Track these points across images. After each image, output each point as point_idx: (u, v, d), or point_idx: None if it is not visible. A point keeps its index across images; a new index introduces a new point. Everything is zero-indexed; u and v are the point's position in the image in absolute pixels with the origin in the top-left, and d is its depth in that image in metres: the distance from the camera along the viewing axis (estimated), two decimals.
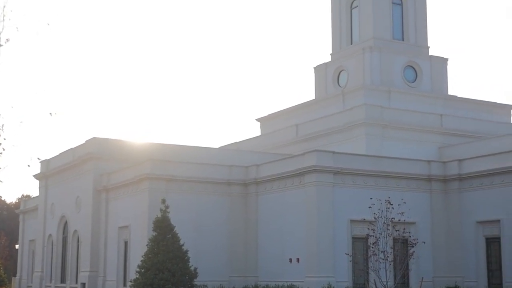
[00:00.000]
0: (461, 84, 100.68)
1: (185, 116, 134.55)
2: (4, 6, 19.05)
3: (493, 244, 44.63)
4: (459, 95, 64.50)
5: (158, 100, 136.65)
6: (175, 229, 40.39)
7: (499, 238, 43.94)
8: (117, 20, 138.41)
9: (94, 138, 52.95)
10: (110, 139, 52.86)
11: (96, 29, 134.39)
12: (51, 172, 60.40)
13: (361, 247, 43.36)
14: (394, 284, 36.59)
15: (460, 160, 47.10)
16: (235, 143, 67.56)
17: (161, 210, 40.58)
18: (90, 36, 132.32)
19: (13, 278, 75.70)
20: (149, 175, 46.28)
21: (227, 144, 68.12)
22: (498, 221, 43.83)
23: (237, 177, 49.26)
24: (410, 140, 56.19)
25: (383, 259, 34.91)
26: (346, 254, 41.53)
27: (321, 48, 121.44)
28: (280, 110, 67.79)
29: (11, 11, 19.05)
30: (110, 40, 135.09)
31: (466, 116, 61.20)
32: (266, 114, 69.57)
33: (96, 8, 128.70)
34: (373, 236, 36.13)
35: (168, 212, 40.53)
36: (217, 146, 64.67)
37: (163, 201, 40.87)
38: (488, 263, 44.91)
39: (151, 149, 51.85)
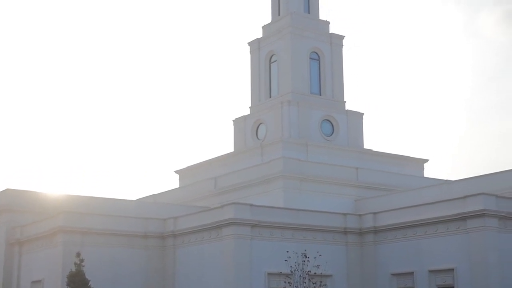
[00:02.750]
0: (376, 138, 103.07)
1: (102, 168, 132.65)
2: None
3: None
4: (374, 149, 65.96)
5: (74, 151, 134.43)
6: (90, 283, 39.48)
7: None
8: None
9: (7, 189, 51.58)
10: (24, 190, 51.59)
11: None
12: None
13: None
14: None
15: (375, 213, 47.86)
16: (153, 195, 67.00)
17: (75, 264, 39.69)
18: None
19: None
20: (63, 228, 45.27)
21: (144, 196, 67.45)
22: (412, 273, 44.48)
23: (154, 230, 48.68)
24: (327, 193, 56.92)
25: None
26: None
27: (240, 101, 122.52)
28: (199, 163, 67.80)
29: None
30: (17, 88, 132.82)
31: (381, 169, 62.50)
32: (184, 166, 69.43)
33: None
34: None
35: (83, 266, 39.66)
36: (134, 198, 63.90)
37: (78, 254, 40.01)
38: None
39: (66, 201, 50.83)
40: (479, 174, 52.25)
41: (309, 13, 68.58)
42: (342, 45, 68.18)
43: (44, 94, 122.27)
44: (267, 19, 70.42)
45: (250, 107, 67.96)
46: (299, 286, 35.87)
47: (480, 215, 40.78)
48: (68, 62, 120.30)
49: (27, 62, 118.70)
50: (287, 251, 39.81)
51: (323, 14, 70.15)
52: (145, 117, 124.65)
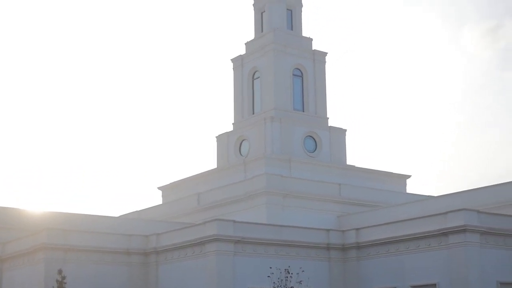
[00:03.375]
0: (359, 154, 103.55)
1: (85, 184, 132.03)
2: None
3: None
4: (357, 165, 66.24)
5: (57, 168, 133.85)
6: None
7: None
8: None
9: None
10: (6, 207, 51.32)
11: None
12: None
13: None
14: None
15: (357, 229, 48.03)
16: (136, 211, 66.84)
17: (57, 281, 39.42)
18: None
19: None
20: (45, 245, 45.03)
21: (127, 213, 67.27)
22: None
23: (137, 247, 48.51)
24: (309, 209, 57.08)
25: None
26: None
27: (223, 117, 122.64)
28: (182, 179, 67.78)
29: None
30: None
31: (363, 185, 62.76)
32: (168, 183, 69.39)
33: None
34: None
35: (65, 283, 39.37)
36: (117, 215, 63.70)
37: (60, 271, 39.72)
38: None
39: (49, 218, 50.61)
40: (461, 190, 52.61)
41: (292, 30, 69.02)
42: (325, 61, 68.63)
43: (21, 117, 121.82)
44: (250, 35, 70.86)
45: (233, 124, 68.13)
46: None
47: (461, 230, 41.05)
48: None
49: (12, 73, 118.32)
50: (270, 267, 39.89)
51: (306, 30, 70.71)
52: (128, 133, 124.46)
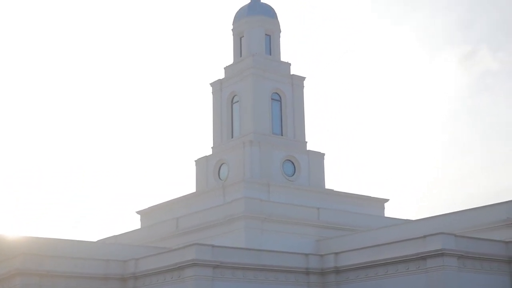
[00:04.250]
0: (337, 178, 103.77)
1: (61, 209, 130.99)
2: None
3: None
4: (335, 189, 66.38)
5: (34, 191, 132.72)
6: None
7: None
8: None
9: None
10: None
11: None
12: None
13: None
14: None
15: (336, 253, 48.03)
16: (114, 236, 66.36)
17: None
18: None
19: None
20: (21, 271, 44.54)
21: (105, 237, 66.77)
22: None
23: (115, 272, 48.11)
24: (288, 233, 57.02)
25: None
26: None
27: (202, 141, 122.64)
28: (161, 203, 67.53)
29: None
30: None
31: (342, 209, 62.85)
32: (146, 207, 69.06)
33: None
34: None
35: None
36: (94, 240, 63.20)
37: None
38: None
39: (25, 242, 50.01)
40: (439, 214, 52.80)
41: (270, 54, 69.40)
42: (303, 86, 69.01)
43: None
44: (229, 60, 71.12)
45: (212, 148, 68.15)
46: None
47: (439, 254, 41.20)
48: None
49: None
50: None
51: (285, 55, 71.15)
52: (106, 157, 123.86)
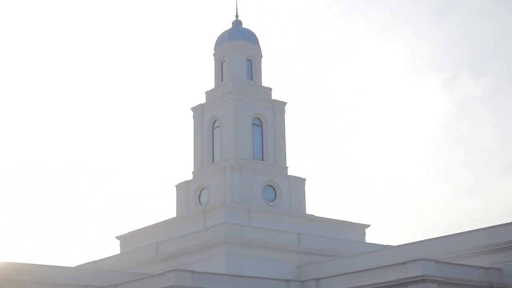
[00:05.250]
0: (318, 203, 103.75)
1: (40, 234, 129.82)
2: None
3: None
4: (316, 214, 66.28)
5: (12, 215, 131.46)
6: None
7: None
8: None
9: None
10: None
11: None
12: None
13: None
14: None
15: (317, 279, 47.87)
16: (93, 261, 65.70)
17: None
18: None
19: None
20: None
21: (84, 263, 66.10)
22: None
23: None
24: (269, 259, 56.77)
25: None
26: None
27: (183, 166, 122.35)
28: (141, 228, 67.09)
29: None
30: None
31: (323, 235, 62.71)
32: (126, 232, 68.58)
33: None
34: None
35: None
36: (73, 265, 62.54)
37: None
38: None
39: (2, 268, 49.32)
40: (420, 240, 52.80)
41: (251, 79, 69.58)
42: (284, 111, 69.16)
43: None
44: (210, 84, 71.18)
45: (192, 172, 67.94)
46: None
47: (420, 280, 41.20)
48: None
49: None
50: None
51: (266, 80, 71.35)
52: (85, 181, 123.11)
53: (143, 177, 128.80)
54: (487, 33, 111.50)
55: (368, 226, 68.23)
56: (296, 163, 74.59)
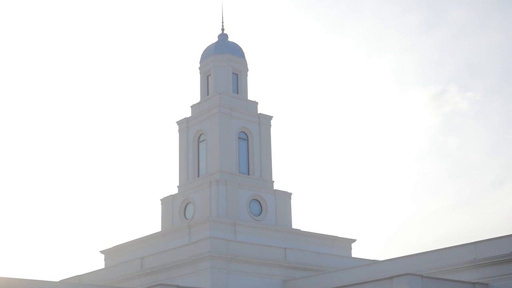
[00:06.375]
0: (304, 218, 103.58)
1: (23, 248, 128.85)
2: None
3: None
4: (302, 229, 66.07)
5: None
6: None
7: None
8: None
9: None
10: None
11: None
12: None
13: None
14: None
15: None
16: (77, 276, 65.15)
17: None
18: None
19: None
20: None
21: (68, 277, 65.54)
22: None
23: None
24: (255, 273, 56.43)
25: None
26: None
27: (168, 180, 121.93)
28: (125, 242, 66.62)
29: None
30: None
31: (309, 249, 62.48)
32: (110, 246, 68.08)
33: None
34: None
35: None
36: (57, 279, 61.94)
37: None
38: None
39: None
40: (406, 254, 52.69)
41: (237, 93, 69.49)
42: (271, 125, 69.08)
43: None
44: (196, 98, 71.02)
45: (178, 186, 67.62)
46: None
47: None
48: None
49: None
50: None
51: (252, 94, 71.29)
52: (70, 194, 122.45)
53: (128, 191, 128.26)
54: (474, 47, 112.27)
55: (354, 240, 68.09)
56: (282, 177, 74.52)
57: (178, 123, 69.65)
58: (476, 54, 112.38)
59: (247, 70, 71.09)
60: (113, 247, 67.72)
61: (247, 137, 67.44)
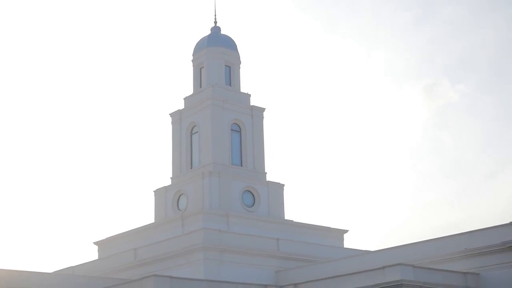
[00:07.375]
0: (296, 209, 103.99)
1: (17, 239, 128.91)
2: None
3: None
4: (295, 220, 66.43)
5: None
6: None
7: None
8: None
9: None
10: None
11: None
12: None
13: None
14: None
15: (295, 284, 47.96)
16: (71, 267, 65.32)
17: None
18: None
19: None
20: None
21: (61, 268, 65.70)
22: None
23: None
24: (248, 264, 56.78)
25: None
26: None
27: (161, 171, 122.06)
28: (119, 234, 66.84)
29: None
30: None
31: (301, 240, 62.85)
32: (104, 237, 68.28)
33: None
34: None
35: None
36: (50, 271, 62.13)
37: None
38: None
39: None
40: (398, 245, 53.08)
41: (230, 85, 69.67)
42: (263, 117, 69.33)
43: None
44: (189, 90, 71.17)
45: (171, 178, 67.84)
46: None
47: (398, 285, 41.43)
48: None
49: None
50: None
51: (245, 86, 71.46)
52: (63, 185, 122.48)
53: (121, 182, 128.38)
54: (466, 40, 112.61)
55: (346, 231, 68.48)
56: (274, 169, 74.84)
57: (171, 115, 69.83)
58: (467, 47, 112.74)
59: (240, 63, 71.27)
60: (107, 238, 67.93)
61: (240, 129, 67.69)
